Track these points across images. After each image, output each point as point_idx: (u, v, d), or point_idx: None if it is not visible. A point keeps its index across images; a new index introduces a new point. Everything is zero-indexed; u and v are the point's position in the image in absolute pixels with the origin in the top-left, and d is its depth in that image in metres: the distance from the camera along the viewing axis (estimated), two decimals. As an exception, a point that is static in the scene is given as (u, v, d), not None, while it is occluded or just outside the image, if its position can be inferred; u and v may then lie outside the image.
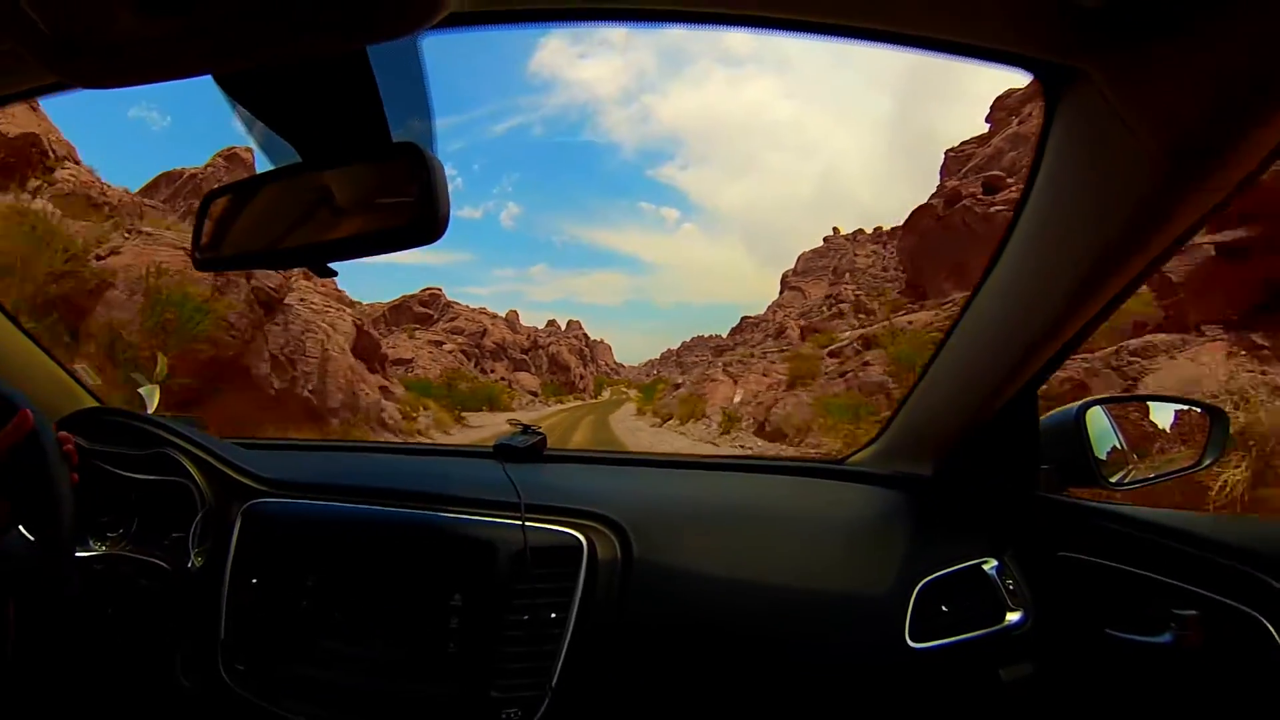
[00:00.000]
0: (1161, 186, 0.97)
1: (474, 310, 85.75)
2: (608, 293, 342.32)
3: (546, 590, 1.48)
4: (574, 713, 1.44)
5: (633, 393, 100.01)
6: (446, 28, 1.10)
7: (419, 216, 0.96)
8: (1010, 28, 0.98)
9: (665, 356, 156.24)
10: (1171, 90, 0.88)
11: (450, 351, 65.95)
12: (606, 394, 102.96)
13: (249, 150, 54.73)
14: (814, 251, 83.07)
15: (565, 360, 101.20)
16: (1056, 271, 1.22)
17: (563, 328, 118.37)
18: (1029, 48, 1.00)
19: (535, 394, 73.60)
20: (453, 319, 79.59)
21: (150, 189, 49.83)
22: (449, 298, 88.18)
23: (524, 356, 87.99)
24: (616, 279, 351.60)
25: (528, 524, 1.53)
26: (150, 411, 2.13)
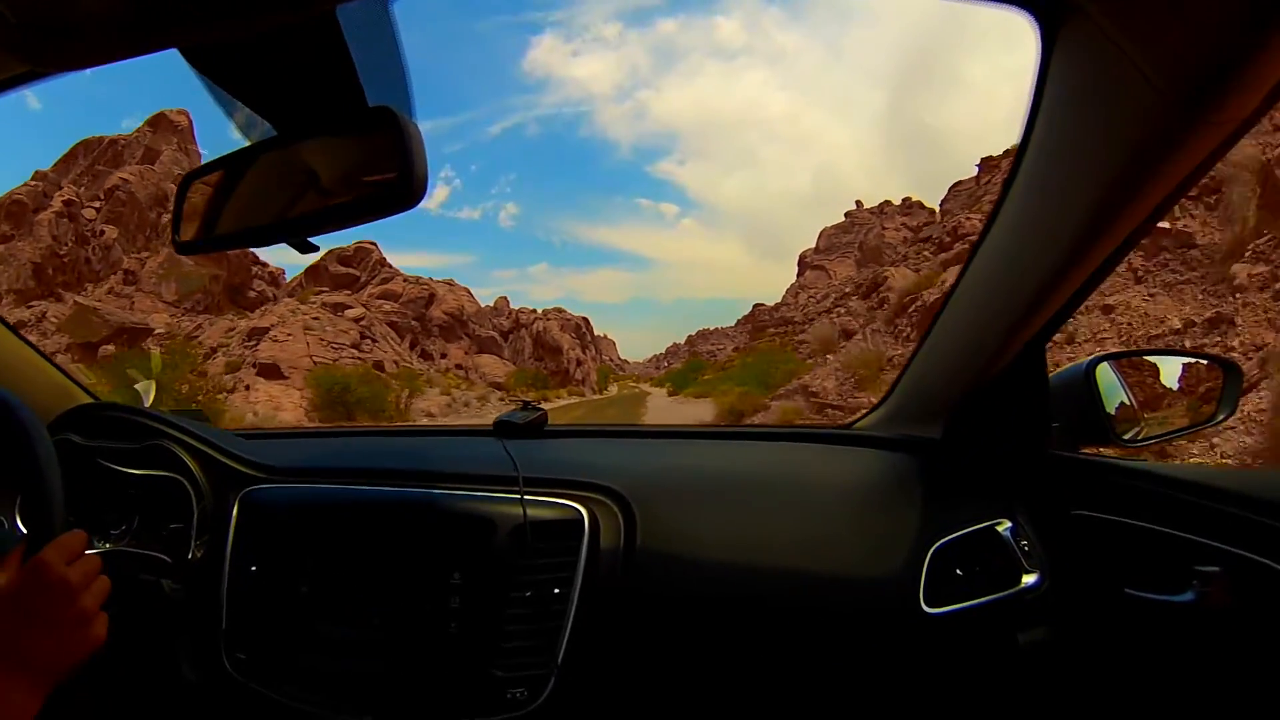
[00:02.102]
0: (1169, 120, 0.93)
1: (416, 278, 70.09)
2: (610, 290, 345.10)
3: (548, 566, 1.46)
4: (581, 689, 1.42)
5: (645, 385, 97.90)
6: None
7: (396, 181, 0.95)
8: None
9: (671, 350, 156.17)
10: (1174, 19, 0.84)
11: (363, 323, 52.93)
12: (614, 389, 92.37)
13: (181, 113, 56.46)
14: (836, 227, 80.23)
15: (555, 340, 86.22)
16: (1061, 218, 1.18)
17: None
18: None
19: (500, 386, 59.35)
20: (385, 281, 66.29)
21: (68, 159, 50.89)
22: (386, 254, 73.31)
23: (493, 335, 75.06)
24: (618, 276, 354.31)
25: (527, 498, 1.52)
26: (146, 405, 2.12)
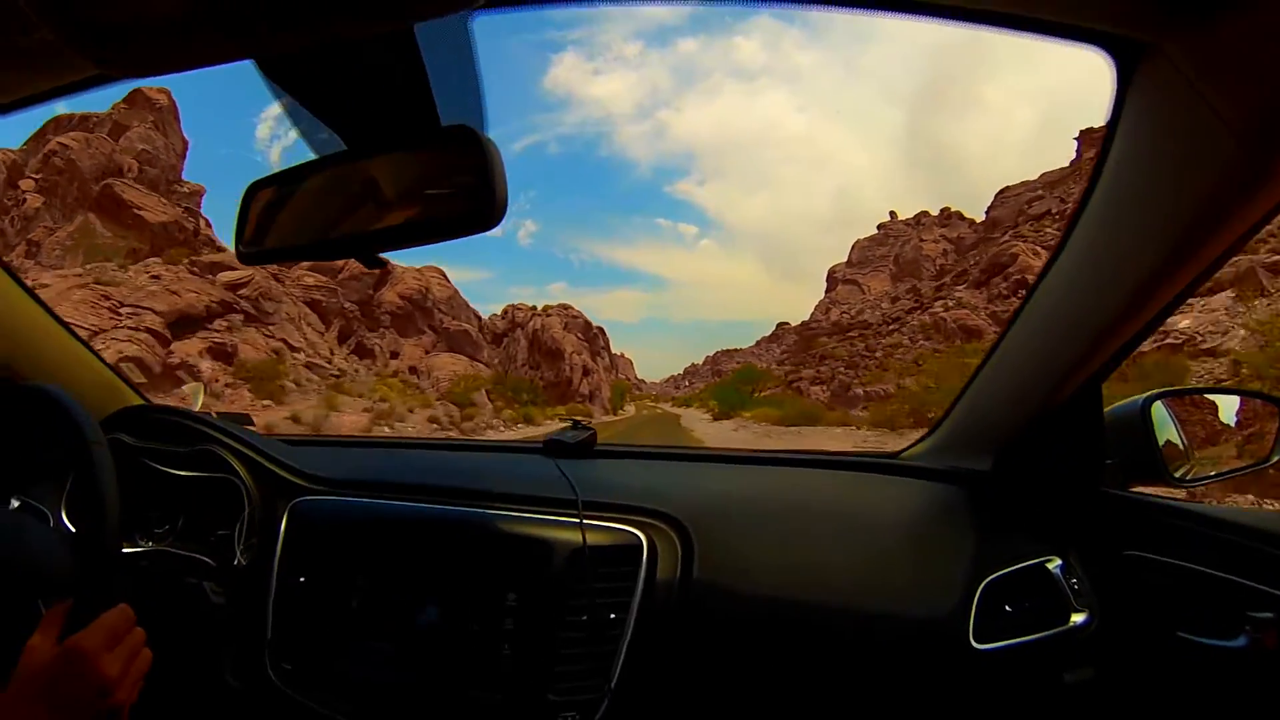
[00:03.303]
0: (1242, 164, 0.91)
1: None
2: (626, 310, 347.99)
3: (605, 590, 1.45)
4: (633, 714, 1.41)
5: (666, 405, 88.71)
6: (495, 7, 1.09)
7: (477, 201, 0.94)
8: (1081, 2, 0.93)
9: (689, 371, 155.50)
10: (1252, 63, 0.84)
11: (242, 292, 43.11)
12: (630, 409, 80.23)
13: (161, 91, 54.01)
14: (869, 240, 78.13)
15: (554, 342, 72.64)
16: (1129, 256, 1.16)
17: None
18: (1101, 22, 0.95)
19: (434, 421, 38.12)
20: None
21: (38, 137, 48.16)
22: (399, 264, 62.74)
23: (465, 328, 63.22)
24: (635, 296, 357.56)
25: (586, 522, 1.51)
26: (195, 409, 2.14)
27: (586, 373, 74.48)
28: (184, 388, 2.37)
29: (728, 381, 76.04)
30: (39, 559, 1.21)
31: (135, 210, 46.88)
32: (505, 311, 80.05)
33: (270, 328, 44.53)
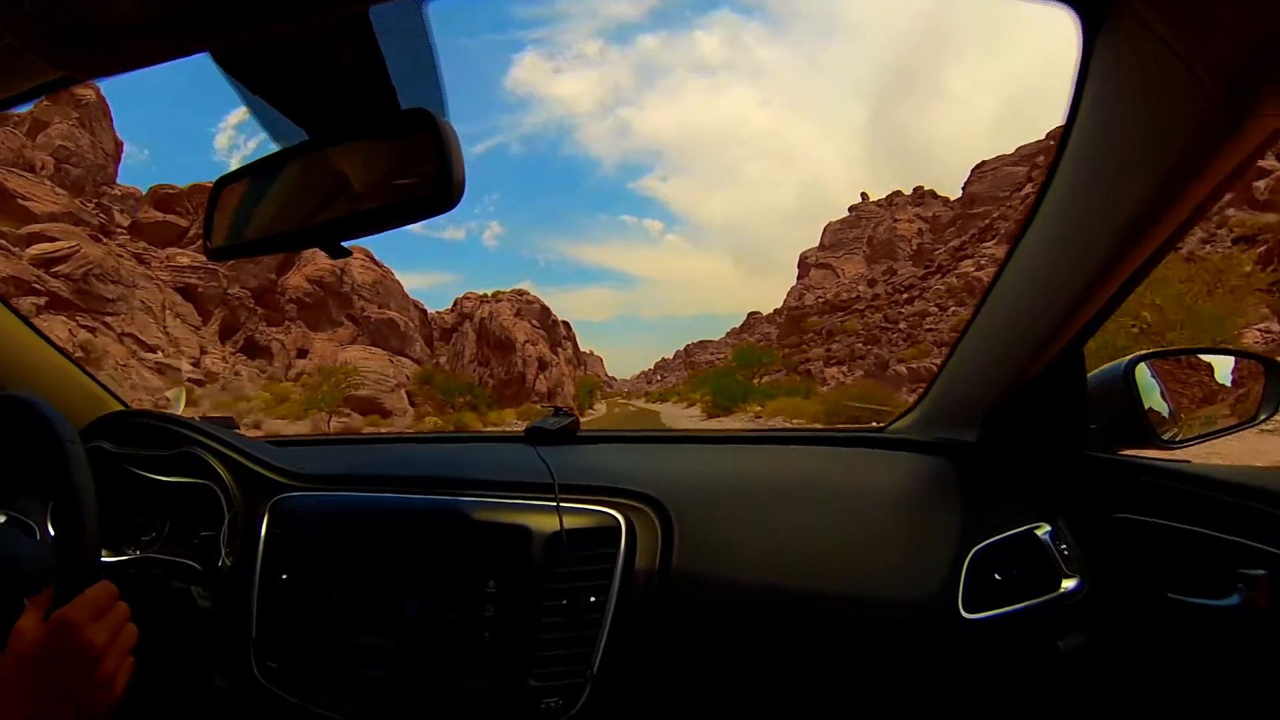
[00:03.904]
0: (1214, 115, 0.90)
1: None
2: (595, 308, 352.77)
3: (585, 574, 1.45)
4: (616, 698, 1.41)
5: (639, 402, 79.30)
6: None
7: (433, 185, 0.93)
8: None
9: (660, 365, 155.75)
10: (1220, 11, 0.82)
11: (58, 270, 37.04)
12: (601, 407, 70.22)
13: (89, 87, 49.72)
14: (841, 222, 76.97)
15: (505, 332, 62.29)
16: (1104, 215, 1.15)
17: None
18: None
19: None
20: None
21: None
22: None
23: (390, 316, 53.33)
24: (604, 294, 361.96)
25: (564, 505, 1.50)
26: (178, 413, 2.12)
27: (544, 366, 65.04)
28: (167, 393, 2.35)
29: (722, 368, 64.02)
30: (22, 569, 1.21)
31: (20, 200, 42.09)
32: (455, 304, 70.78)
33: (109, 318, 38.41)
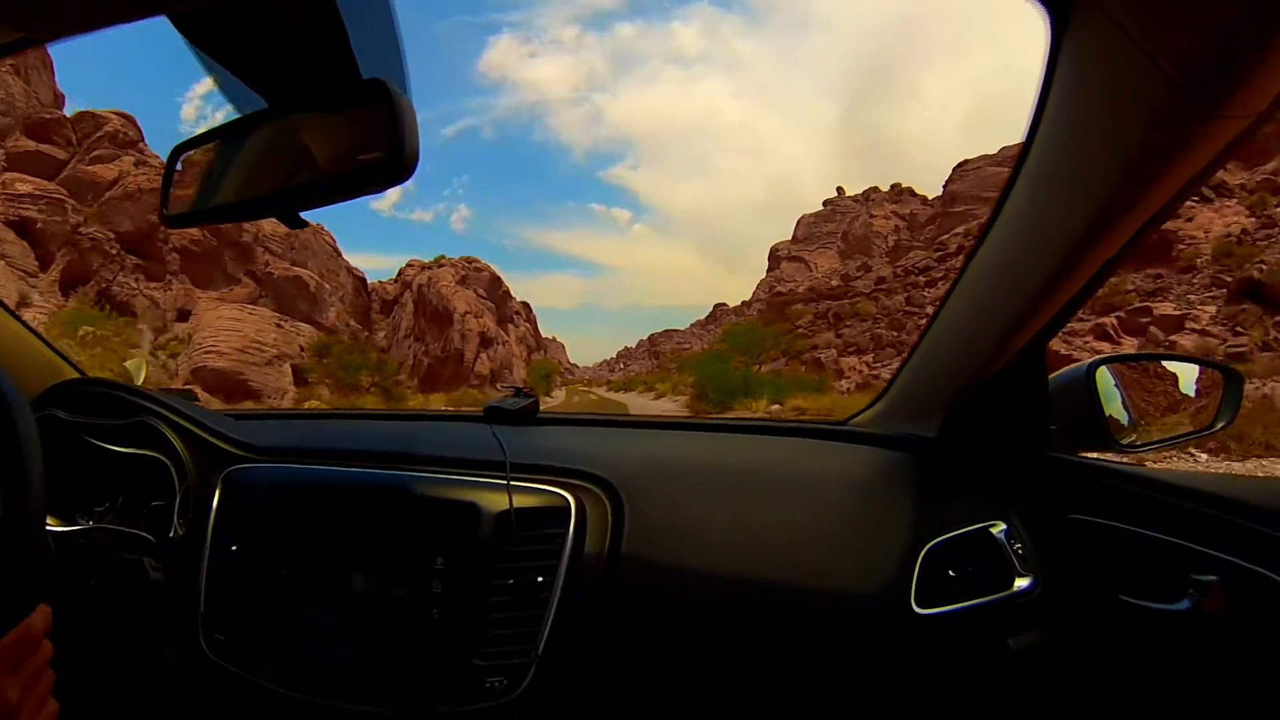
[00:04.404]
0: (1181, 112, 0.89)
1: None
2: (560, 296, 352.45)
3: (533, 553, 1.44)
4: (561, 680, 1.41)
5: (601, 390, 73.01)
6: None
7: (387, 156, 0.92)
8: None
9: (623, 354, 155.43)
10: (1188, 6, 0.81)
11: None
12: (559, 395, 59.95)
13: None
14: (816, 215, 75.13)
15: (443, 302, 53.86)
16: (1067, 214, 1.15)
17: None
18: None
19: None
20: (100, 160, 40.68)
21: None
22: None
23: (297, 273, 45.85)
24: (569, 282, 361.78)
25: (514, 484, 1.50)
26: (137, 384, 2.09)
27: (487, 343, 54.37)
28: (127, 363, 2.31)
29: (712, 351, 51.83)
30: None
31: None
32: (399, 274, 60.87)
33: None
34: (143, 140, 45.35)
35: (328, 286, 48.72)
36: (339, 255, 53.89)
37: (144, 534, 1.61)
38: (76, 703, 1.68)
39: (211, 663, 1.52)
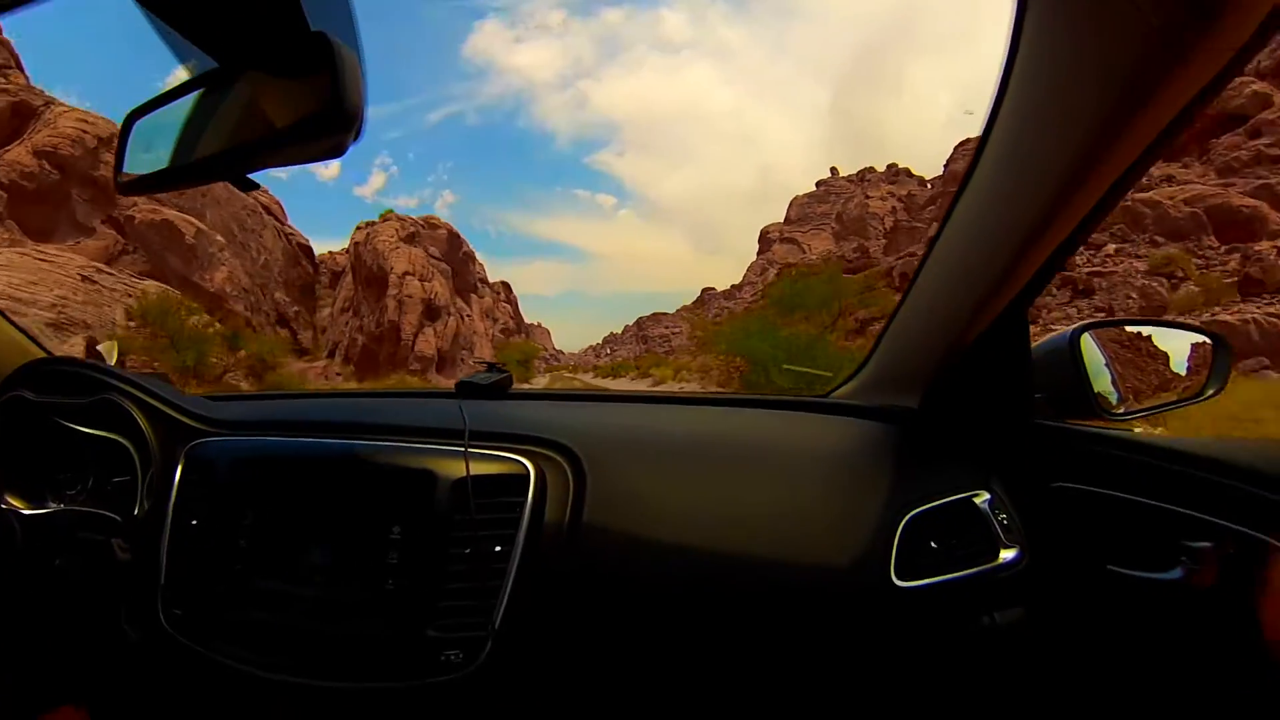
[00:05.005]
0: (1157, 49, 0.85)
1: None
2: (545, 282, 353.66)
3: (490, 522, 1.41)
4: (519, 655, 1.38)
5: (587, 375, 71.13)
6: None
7: (327, 107, 0.87)
8: None
9: (609, 339, 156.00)
10: None
11: None
12: (542, 380, 53.29)
13: None
14: (809, 196, 74.49)
15: (378, 264, 42.44)
16: (1042, 168, 1.11)
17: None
18: None
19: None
20: None
21: None
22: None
23: (183, 228, 33.90)
24: (554, 268, 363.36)
25: (473, 452, 1.47)
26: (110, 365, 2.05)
27: (434, 314, 43.17)
28: (100, 346, 2.30)
29: (754, 314, 36.70)
30: None
31: None
32: (351, 241, 49.30)
33: None
34: (15, 67, 36.91)
35: (220, 239, 38.92)
36: (270, 216, 43.95)
37: (112, 515, 1.61)
38: (43, 685, 1.67)
39: (170, 638, 1.50)
